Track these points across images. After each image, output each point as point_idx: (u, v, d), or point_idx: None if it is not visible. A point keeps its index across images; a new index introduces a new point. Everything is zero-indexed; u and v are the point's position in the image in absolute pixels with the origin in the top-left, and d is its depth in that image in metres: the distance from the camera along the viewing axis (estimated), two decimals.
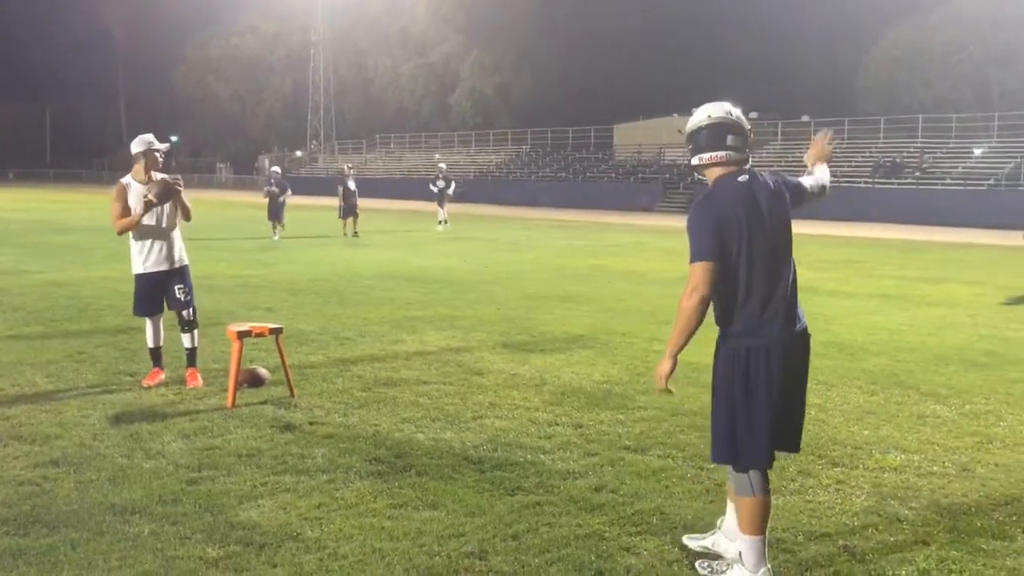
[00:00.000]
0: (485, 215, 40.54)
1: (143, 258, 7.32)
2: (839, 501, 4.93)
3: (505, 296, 13.15)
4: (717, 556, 4.13)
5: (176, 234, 7.44)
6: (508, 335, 9.86)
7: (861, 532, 4.51)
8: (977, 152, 41.17)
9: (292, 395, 6.97)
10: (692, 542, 4.31)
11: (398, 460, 5.49)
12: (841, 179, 42.02)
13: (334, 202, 26.77)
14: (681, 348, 3.84)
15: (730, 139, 3.90)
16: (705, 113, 3.97)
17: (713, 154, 3.92)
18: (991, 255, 22.46)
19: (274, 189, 24.21)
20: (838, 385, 7.68)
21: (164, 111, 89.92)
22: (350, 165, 31.09)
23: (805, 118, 50.82)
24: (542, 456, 5.63)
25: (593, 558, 4.14)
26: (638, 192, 48.10)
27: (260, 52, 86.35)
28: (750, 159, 4.01)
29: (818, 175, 4.44)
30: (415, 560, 4.10)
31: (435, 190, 29.93)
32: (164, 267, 7.34)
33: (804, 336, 3.95)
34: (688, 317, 3.77)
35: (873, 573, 4.05)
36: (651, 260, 19.52)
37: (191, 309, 7.45)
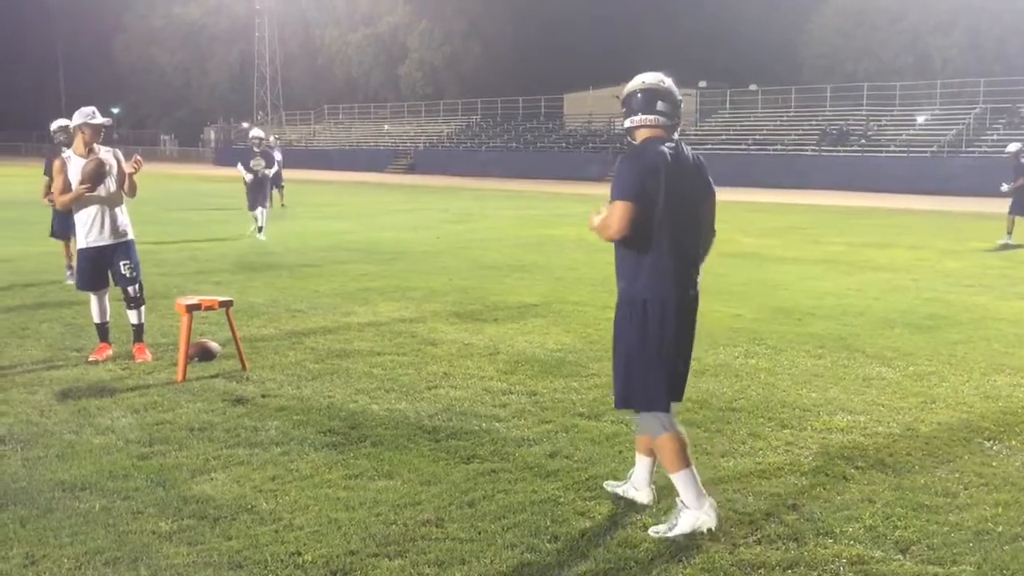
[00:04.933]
0: (435, 186, 40.35)
1: (86, 231, 7.18)
2: (788, 462, 5.04)
3: (457, 266, 13.13)
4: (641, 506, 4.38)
5: (121, 208, 7.29)
6: (461, 305, 9.85)
7: (809, 491, 4.61)
8: (920, 119, 41.90)
9: (244, 368, 6.91)
10: (610, 487, 4.58)
11: (352, 431, 5.48)
12: (788, 147, 42.55)
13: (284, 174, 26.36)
14: None
15: (660, 105, 4.16)
16: (640, 80, 4.25)
17: (644, 116, 4.17)
18: (933, 221, 22.94)
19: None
20: (786, 349, 7.81)
21: (105, 82, 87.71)
22: (276, 136, 30.78)
23: (752, 87, 51.25)
24: (497, 424, 5.66)
25: (548, 523, 4.19)
26: (588, 161, 48.19)
27: (203, 21, 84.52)
28: (679, 129, 4.28)
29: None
30: (371, 529, 4.10)
31: (251, 175, 17.19)
32: (108, 241, 7.19)
33: (696, 299, 4.24)
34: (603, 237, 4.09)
35: (821, 531, 4.15)
36: None
37: (137, 285, 7.31)
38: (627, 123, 4.22)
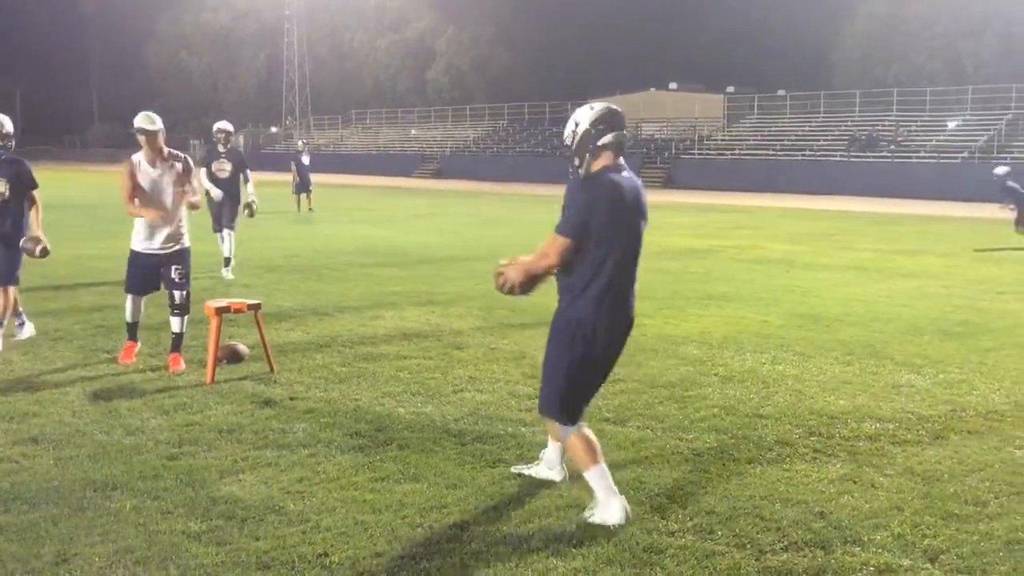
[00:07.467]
0: (463, 191, 40.45)
1: (142, 236, 7.21)
2: (816, 469, 5.01)
3: (484, 271, 13.14)
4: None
5: (181, 216, 7.28)
6: (487, 310, 9.88)
7: (837, 499, 4.58)
8: (951, 125, 41.47)
9: (272, 371, 6.96)
10: (518, 468, 4.87)
11: (379, 434, 5.51)
12: (817, 153, 42.27)
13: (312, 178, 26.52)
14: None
15: (614, 134, 4.32)
16: (595, 110, 4.39)
17: (623, 132, 4.35)
18: (965, 227, 22.68)
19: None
20: (815, 356, 7.77)
21: (137, 87, 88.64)
22: (305, 140, 30.72)
23: (781, 92, 50.97)
24: (523, 429, 5.66)
25: (574, 527, 4.19)
26: None
27: (231, 26, 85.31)
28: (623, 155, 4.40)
29: None
30: (397, 532, 4.13)
31: (217, 193, 12.57)
32: (157, 249, 7.21)
33: (631, 323, 4.40)
34: (536, 275, 4.27)
35: (849, 539, 4.12)
36: None
37: (184, 293, 7.27)
38: (606, 139, 4.28)
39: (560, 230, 4.19)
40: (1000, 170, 19.01)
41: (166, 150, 7.22)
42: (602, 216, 4.15)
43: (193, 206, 7.32)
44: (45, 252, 7.76)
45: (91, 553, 3.88)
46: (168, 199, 7.15)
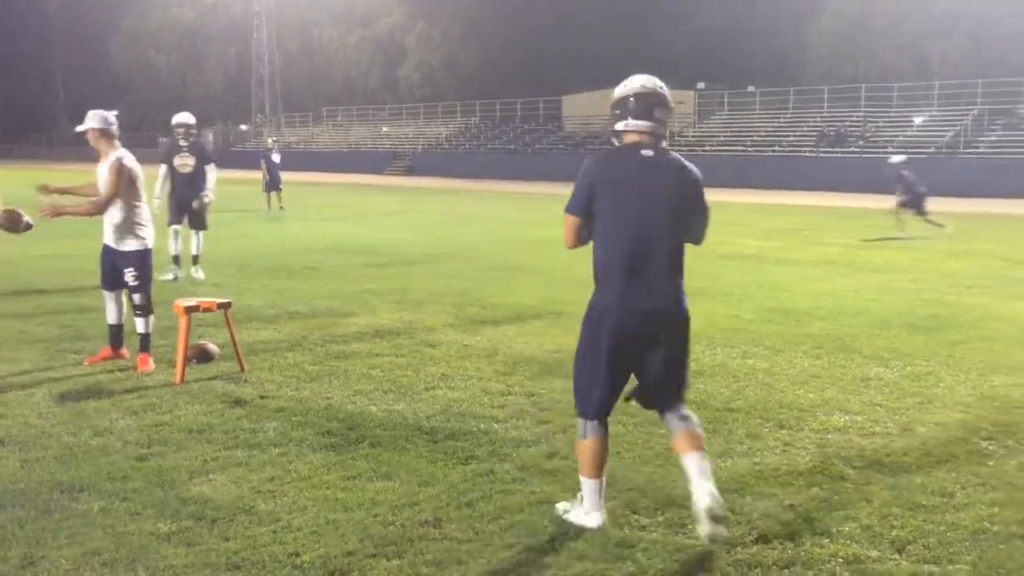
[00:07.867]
0: (435, 188, 40.37)
1: (104, 229, 7.15)
2: (785, 462, 5.05)
3: (456, 269, 13.14)
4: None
5: (127, 217, 7.04)
6: (460, 307, 9.86)
7: (806, 491, 4.62)
8: (918, 121, 41.93)
9: (242, 370, 6.91)
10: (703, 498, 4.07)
11: (351, 432, 5.49)
12: (786, 148, 42.58)
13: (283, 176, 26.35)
14: None
15: (656, 112, 4.09)
16: (639, 82, 4.14)
17: (638, 123, 4.08)
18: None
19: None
20: (784, 350, 7.83)
21: (103, 85, 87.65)
22: (275, 138, 30.42)
23: (751, 88, 51.28)
24: (495, 425, 5.66)
25: (546, 523, 4.20)
26: None
27: (199, 22, 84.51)
28: (665, 138, 4.16)
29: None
30: (370, 530, 4.11)
31: (156, 204, 11.13)
32: (112, 244, 7.13)
33: (674, 315, 4.09)
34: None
35: (818, 530, 4.16)
36: None
37: (142, 295, 7.13)
38: (619, 125, 4.12)
39: (566, 208, 4.11)
40: (895, 159, 19.70)
41: (110, 148, 7.05)
42: (600, 192, 4.01)
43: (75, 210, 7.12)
44: (28, 225, 7.32)
45: (58, 556, 3.84)
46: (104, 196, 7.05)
